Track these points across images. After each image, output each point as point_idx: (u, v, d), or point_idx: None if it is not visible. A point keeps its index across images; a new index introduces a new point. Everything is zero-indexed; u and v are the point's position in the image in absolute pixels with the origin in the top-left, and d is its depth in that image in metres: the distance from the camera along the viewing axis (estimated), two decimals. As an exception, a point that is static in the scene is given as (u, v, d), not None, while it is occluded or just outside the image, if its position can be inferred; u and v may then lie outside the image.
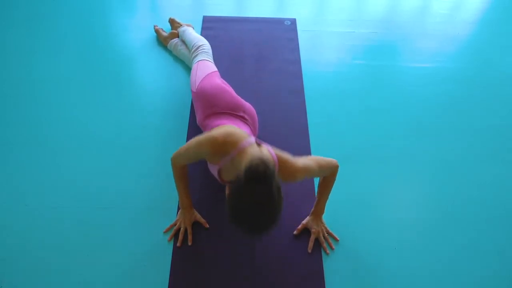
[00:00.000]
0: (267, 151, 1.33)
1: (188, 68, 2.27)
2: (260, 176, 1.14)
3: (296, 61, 2.37)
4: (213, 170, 1.52)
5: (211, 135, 1.39)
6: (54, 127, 1.96)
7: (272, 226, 1.20)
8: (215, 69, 1.94)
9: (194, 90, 1.81)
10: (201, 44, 2.10)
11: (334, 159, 1.52)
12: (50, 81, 2.17)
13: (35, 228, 1.62)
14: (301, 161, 1.42)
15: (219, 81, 1.84)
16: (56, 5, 2.64)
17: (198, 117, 1.76)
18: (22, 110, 2.03)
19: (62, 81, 2.18)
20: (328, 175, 1.55)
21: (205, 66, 1.92)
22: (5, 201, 1.69)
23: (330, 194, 1.59)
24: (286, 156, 1.39)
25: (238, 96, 1.78)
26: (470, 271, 1.59)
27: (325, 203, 1.61)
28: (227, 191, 1.24)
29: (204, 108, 1.71)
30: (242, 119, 1.69)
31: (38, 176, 1.77)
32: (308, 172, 1.43)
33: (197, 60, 1.98)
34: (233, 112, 1.69)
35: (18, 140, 1.90)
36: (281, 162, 1.37)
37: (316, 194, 1.64)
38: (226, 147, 1.35)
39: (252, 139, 1.36)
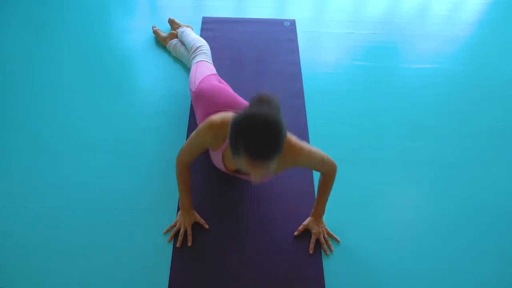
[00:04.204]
0: None
1: (187, 69, 2.27)
2: (264, 98, 1.16)
3: (296, 62, 2.37)
4: (217, 159, 1.52)
5: (209, 120, 1.42)
6: (54, 129, 1.96)
7: (274, 146, 1.15)
8: (214, 71, 1.94)
9: (194, 90, 1.81)
10: (199, 45, 2.10)
11: (334, 160, 1.53)
12: (49, 83, 2.17)
13: (35, 229, 1.61)
14: (307, 145, 1.42)
15: (217, 82, 1.85)
16: (55, 8, 2.64)
17: (198, 116, 1.76)
18: (21, 112, 2.03)
19: (62, 83, 2.18)
20: (327, 174, 1.55)
21: (204, 67, 1.93)
22: (6, 203, 1.69)
23: (330, 195, 1.59)
24: (292, 136, 1.39)
25: (237, 95, 1.78)
26: (470, 272, 1.58)
27: (325, 204, 1.61)
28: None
29: (204, 106, 1.71)
30: None
31: (38, 178, 1.77)
32: (310, 158, 1.43)
33: (196, 61, 1.98)
34: (231, 110, 1.69)
35: (18, 142, 1.90)
36: (286, 141, 1.36)
37: (316, 195, 1.64)
38: (226, 127, 1.35)
39: None
